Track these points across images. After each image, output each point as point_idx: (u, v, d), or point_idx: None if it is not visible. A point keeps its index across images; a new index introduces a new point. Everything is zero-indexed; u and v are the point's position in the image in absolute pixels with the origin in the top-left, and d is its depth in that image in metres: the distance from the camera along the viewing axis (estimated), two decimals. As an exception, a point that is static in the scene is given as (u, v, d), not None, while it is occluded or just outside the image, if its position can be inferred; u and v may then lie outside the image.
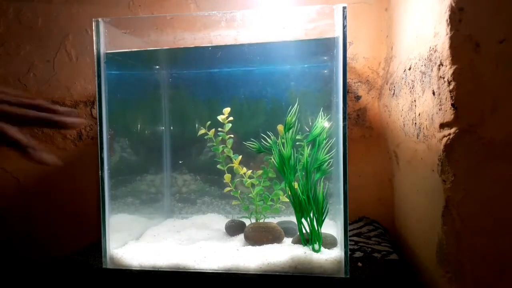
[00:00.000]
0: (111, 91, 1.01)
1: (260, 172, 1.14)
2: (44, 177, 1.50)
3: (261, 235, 1.06)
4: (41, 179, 1.50)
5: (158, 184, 1.37)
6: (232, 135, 1.16)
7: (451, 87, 0.71)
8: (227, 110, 1.15)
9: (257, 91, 1.32)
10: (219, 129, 1.16)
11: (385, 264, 0.98)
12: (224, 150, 1.16)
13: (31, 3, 1.46)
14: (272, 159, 1.04)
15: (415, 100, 0.94)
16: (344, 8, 0.89)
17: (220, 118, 1.15)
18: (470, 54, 0.69)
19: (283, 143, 1.02)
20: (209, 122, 1.16)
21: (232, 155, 1.15)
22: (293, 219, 1.07)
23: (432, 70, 0.80)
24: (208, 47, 1.24)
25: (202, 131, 1.16)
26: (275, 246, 1.03)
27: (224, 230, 1.19)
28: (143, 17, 1.37)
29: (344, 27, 0.89)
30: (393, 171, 1.30)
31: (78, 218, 1.48)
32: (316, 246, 0.97)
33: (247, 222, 1.16)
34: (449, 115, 0.72)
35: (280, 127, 1.06)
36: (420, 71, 0.88)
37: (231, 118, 1.15)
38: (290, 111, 1.04)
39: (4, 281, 1.51)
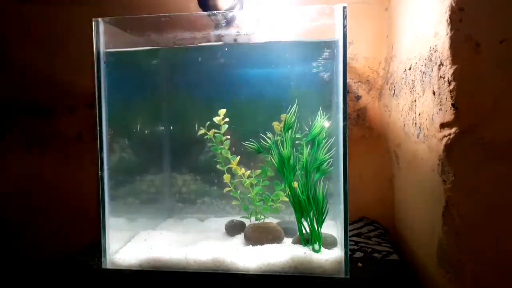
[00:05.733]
0: (111, 90, 1.00)
1: (258, 171, 1.14)
2: (44, 177, 1.50)
3: (261, 235, 1.06)
4: (41, 179, 1.50)
5: (158, 184, 1.37)
6: (228, 136, 1.15)
7: (451, 87, 0.71)
8: (222, 111, 1.14)
9: (256, 91, 1.32)
10: (215, 130, 1.15)
11: (385, 264, 0.98)
12: (222, 151, 1.15)
13: (31, 3, 1.46)
14: (271, 159, 1.03)
15: (415, 100, 0.94)
16: (344, 8, 0.89)
17: (216, 119, 1.14)
18: (470, 54, 0.69)
19: (282, 143, 1.02)
20: (208, 122, 1.16)
21: (229, 156, 1.14)
22: (294, 219, 1.06)
23: (432, 70, 0.80)
24: (208, 46, 1.23)
25: (202, 131, 1.16)
26: (275, 246, 1.03)
27: (224, 230, 1.19)
28: (143, 17, 1.37)
29: (344, 27, 0.89)
30: (394, 171, 1.29)
31: (78, 218, 1.48)
32: (316, 246, 0.97)
33: (247, 222, 1.16)
34: (449, 115, 0.72)
35: (276, 124, 1.06)
36: (420, 71, 0.88)
37: (227, 119, 1.14)
38: (289, 110, 1.04)
39: (4, 281, 1.51)
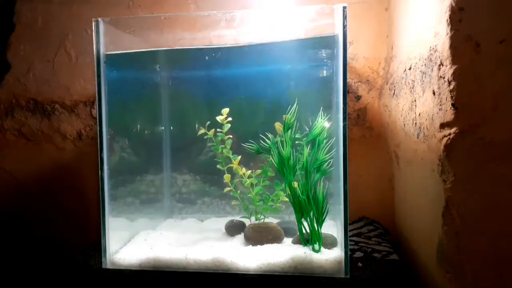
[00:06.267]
0: (111, 91, 1.00)
1: (259, 171, 1.14)
2: (44, 177, 1.50)
3: (261, 235, 1.06)
4: (41, 179, 1.50)
5: (158, 184, 1.37)
6: (231, 136, 1.15)
7: (451, 87, 0.71)
8: (225, 110, 1.14)
9: (256, 92, 1.32)
10: (218, 129, 1.15)
11: (385, 264, 0.98)
12: (223, 150, 1.15)
13: (31, 3, 1.46)
14: (271, 159, 1.03)
15: (415, 100, 0.94)
16: (344, 8, 0.89)
17: (219, 118, 1.15)
18: (470, 54, 0.69)
19: (282, 143, 1.02)
20: (208, 122, 1.16)
21: (231, 156, 1.15)
22: (294, 219, 1.06)
23: (432, 70, 0.80)
24: (208, 48, 1.23)
25: (202, 131, 1.16)
26: (275, 246, 1.03)
27: (224, 230, 1.18)
28: (143, 17, 1.37)
29: (344, 26, 0.89)
30: (393, 171, 1.29)
31: (78, 218, 1.48)
32: (316, 246, 0.97)
33: (247, 222, 1.16)
34: (449, 115, 0.72)
35: (278, 125, 1.06)
36: (421, 71, 0.88)
37: (230, 119, 1.15)
38: (289, 110, 1.04)
39: (4, 280, 1.51)
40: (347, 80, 1.00)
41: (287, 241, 1.07)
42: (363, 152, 1.35)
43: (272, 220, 1.18)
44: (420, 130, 0.90)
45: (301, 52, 1.21)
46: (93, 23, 0.98)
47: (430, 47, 0.81)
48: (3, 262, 1.52)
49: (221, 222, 1.25)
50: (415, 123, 0.94)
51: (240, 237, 1.12)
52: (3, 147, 1.51)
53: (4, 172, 1.52)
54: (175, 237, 1.15)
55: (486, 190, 0.71)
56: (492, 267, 0.72)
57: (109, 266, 1.00)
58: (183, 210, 1.40)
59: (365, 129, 1.37)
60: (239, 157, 1.14)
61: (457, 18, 0.70)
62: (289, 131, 1.03)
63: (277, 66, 1.29)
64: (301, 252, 0.95)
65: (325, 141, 1.00)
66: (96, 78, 0.99)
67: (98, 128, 0.99)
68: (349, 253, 0.91)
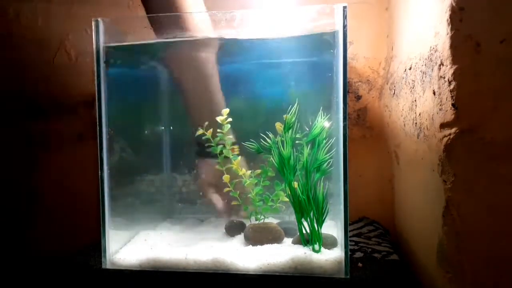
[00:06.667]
0: (110, 89, 1.00)
1: (258, 171, 1.14)
2: (44, 177, 1.50)
3: (261, 235, 1.06)
4: (40, 180, 1.50)
5: (158, 184, 1.37)
6: (231, 136, 1.15)
7: (451, 87, 0.71)
8: (225, 111, 1.14)
9: (256, 90, 1.32)
10: (218, 130, 1.15)
11: (385, 264, 0.98)
12: (223, 151, 1.14)
13: (31, 3, 1.46)
14: (272, 159, 1.03)
15: (415, 100, 0.94)
16: (344, 7, 0.89)
17: (219, 119, 1.14)
18: (471, 54, 0.69)
19: (282, 142, 1.01)
20: (206, 122, 1.15)
21: (231, 156, 1.14)
22: (294, 219, 1.06)
23: (432, 70, 0.79)
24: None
25: (200, 131, 1.15)
26: (275, 246, 1.03)
27: (224, 231, 1.18)
28: (143, 16, 1.37)
29: (345, 26, 0.89)
30: (394, 171, 1.29)
31: (78, 218, 1.48)
32: (316, 247, 0.97)
33: (247, 222, 1.15)
34: (449, 115, 0.72)
35: (278, 125, 1.05)
36: (421, 71, 0.88)
37: (230, 119, 1.14)
38: (289, 110, 1.04)
39: (3, 281, 1.51)
40: (347, 80, 1.00)
41: (287, 241, 1.07)
42: (363, 152, 1.35)
43: (272, 220, 1.18)
44: (420, 130, 0.90)
45: (301, 52, 1.21)
46: (93, 23, 0.98)
47: (430, 47, 0.81)
48: (2, 262, 1.52)
49: (221, 222, 1.24)
50: (415, 123, 0.94)
51: (240, 237, 1.12)
52: (3, 147, 1.51)
53: (4, 172, 1.52)
54: (175, 237, 1.15)
55: (486, 190, 0.71)
56: (492, 267, 0.72)
57: (109, 266, 1.00)
58: (183, 210, 1.40)
59: (365, 129, 1.36)
60: (239, 157, 1.14)
61: (457, 18, 0.70)
62: (290, 131, 1.03)
63: (277, 65, 1.29)
64: (301, 253, 0.95)
65: (325, 141, 1.00)
66: (96, 78, 0.98)
67: (98, 128, 0.99)
68: (349, 253, 0.91)
